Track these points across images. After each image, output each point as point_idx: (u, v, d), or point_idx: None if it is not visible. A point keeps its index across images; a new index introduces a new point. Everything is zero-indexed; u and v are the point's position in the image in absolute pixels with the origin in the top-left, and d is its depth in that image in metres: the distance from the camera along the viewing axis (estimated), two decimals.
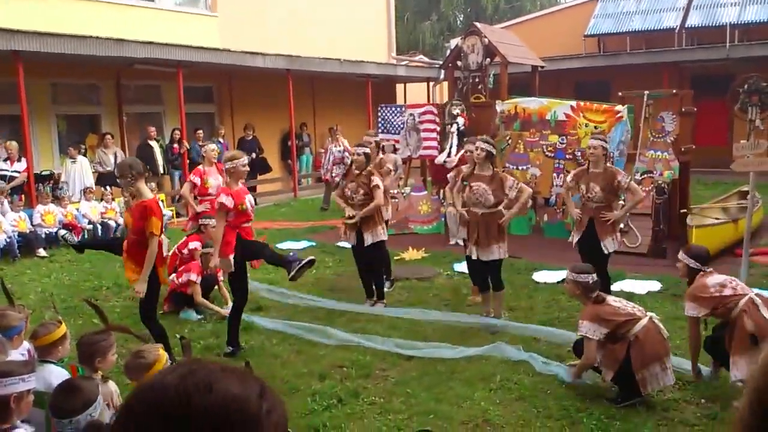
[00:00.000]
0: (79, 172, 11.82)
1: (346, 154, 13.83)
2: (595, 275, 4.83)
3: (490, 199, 6.13)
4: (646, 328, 4.56)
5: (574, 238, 6.53)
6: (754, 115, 8.52)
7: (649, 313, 4.72)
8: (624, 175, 6.61)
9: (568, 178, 6.95)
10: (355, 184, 6.90)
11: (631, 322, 4.58)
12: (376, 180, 6.87)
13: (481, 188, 6.16)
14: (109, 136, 12.74)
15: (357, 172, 6.92)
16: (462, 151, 9.77)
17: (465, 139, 8.24)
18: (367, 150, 7.06)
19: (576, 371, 4.94)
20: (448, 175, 7.13)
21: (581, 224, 6.47)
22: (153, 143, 13.24)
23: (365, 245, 6.91)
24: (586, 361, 4.75)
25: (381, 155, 8.98)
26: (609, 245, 6.30)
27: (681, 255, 5.06)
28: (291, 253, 6.06)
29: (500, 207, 6.25)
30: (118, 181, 5.62)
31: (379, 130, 11.12)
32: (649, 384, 4.52)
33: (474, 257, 6.31)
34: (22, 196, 10.74)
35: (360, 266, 7.16)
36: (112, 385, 3.49)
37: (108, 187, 11.51)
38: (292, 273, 5.71)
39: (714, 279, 4.79)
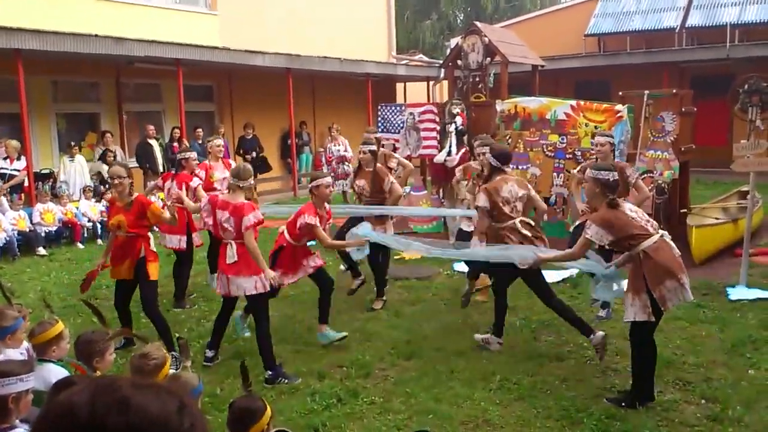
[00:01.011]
0: (78, 170, 11.81)
1: (347, 153, 13.89)
2: (616, 174, 4.67)
3: None
4: (657, 245, 4.45)
5: (576, 222, 6.56)
6: (755, 116, 8.47)
7: (661, 231, 4.61)
8: (633, 170, 6.63)
9: (576, 170, 6.94)
10: (364, 181, 7.10)
11: (641, 236, 4.46)
12: (391, 180, 7.06)
13: None
14: (108, 135, 12.74)
15: (367, 169, 7.12)
16: (462, 150, 9.82)
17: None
18: (373, 147, 7.21)
19: (554, 257, 5.12)
20: (456, 170, 7.15)
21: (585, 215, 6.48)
22: (152, 142, 13.21)
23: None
24: (571, 257, 4.79)
25: (382, 148, 9.01)
26: None
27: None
28: None
29: None
30: (115, 181, 5.67)
31: (379, 129, 11.11)
32: (668, 300, 4.42)
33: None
34: (22, 194, 10.73)
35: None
36: None
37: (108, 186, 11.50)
38: None
39: (628, 204, 4.74)
